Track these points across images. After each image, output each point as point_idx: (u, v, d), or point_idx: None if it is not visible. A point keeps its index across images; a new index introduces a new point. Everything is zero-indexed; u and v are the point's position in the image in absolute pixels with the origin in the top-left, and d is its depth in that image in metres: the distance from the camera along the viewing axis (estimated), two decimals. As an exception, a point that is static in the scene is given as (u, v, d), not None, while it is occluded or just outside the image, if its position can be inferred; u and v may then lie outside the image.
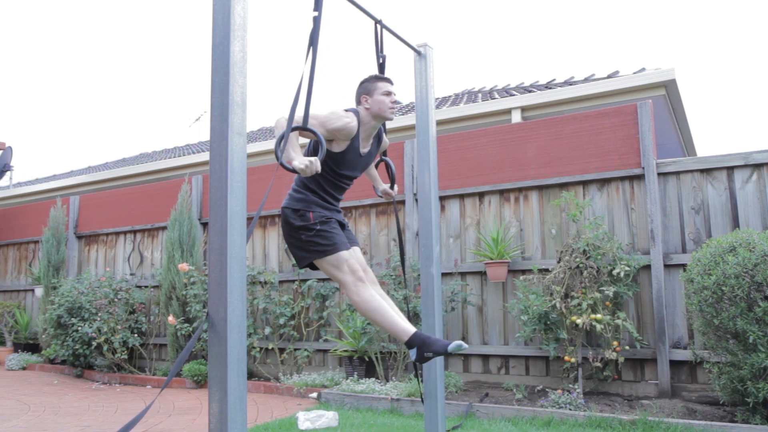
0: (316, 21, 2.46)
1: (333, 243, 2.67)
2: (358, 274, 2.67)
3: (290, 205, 2.75)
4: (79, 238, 8.33)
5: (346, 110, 2.78)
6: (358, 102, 2.86)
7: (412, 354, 2.55)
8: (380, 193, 3.27)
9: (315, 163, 2.38)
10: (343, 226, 2.89)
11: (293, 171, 2.41)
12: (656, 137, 5.48)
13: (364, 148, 2.87)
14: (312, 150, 2.75)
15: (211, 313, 1.94)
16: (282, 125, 2.50)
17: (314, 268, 2.80)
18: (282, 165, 2.35)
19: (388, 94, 2.80)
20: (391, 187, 3.26)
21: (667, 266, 4.63)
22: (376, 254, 5.92)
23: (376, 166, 3.25)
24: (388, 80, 2.85)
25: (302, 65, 2.37)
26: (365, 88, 2.85)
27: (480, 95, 8.83)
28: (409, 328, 2.58)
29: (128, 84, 53.41)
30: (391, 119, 2.84)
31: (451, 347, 2.41)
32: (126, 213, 7.87)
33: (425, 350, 2.49)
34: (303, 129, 2.43)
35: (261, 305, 6.09)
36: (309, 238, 2.69)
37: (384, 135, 3.06)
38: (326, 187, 2.80)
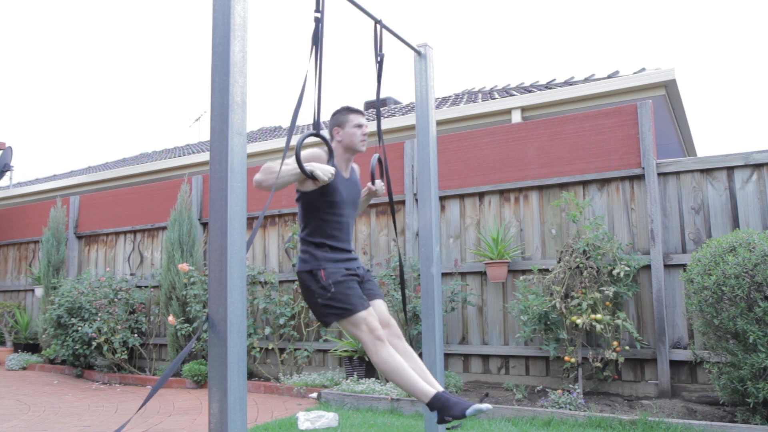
0: (318, 22, 2.47)
1: (349, 304, 2.63)
2: (377, 333, 2.62)
3: (302, 268, 2.72)
4: (79, 238, 8.33)
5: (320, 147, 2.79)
6: (331, 134, 2.86)
7: (434, 416, 2.54)
8: (371, 187, 3.06)
9: (329, 168, 2.55)
10: (361, 278, 2.80)
11: (312, 177, 2.51)
12: (656, 137, 5.48)
13: (345, 173, 2.84)
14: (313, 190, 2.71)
15: (211, 313, 1.94)
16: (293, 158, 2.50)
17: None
18: (302, 169, 2.46)
19: (359, 126, 2.80)
20: (372, 183, 3.06)
21: (667, 266, 4.63)
22: (376, 254, 5.92)
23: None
24: (359, 112, 2.85)
25: (306, 66, 2.38)
26: (337, 120, 2.85)
27: (480, 95, 8.83)
28: (429, 391, 2.53)
29: (128, 84, 53.44)
30: (362, 151, 2.83)
31: (469, 411, 2.38)
32: (126, 213, 7.87)
33: (444, 414, 2.46)
34: (315, 135, 2.52)
35: (261, 305, 6.09)
36: (325, 302, 2.65)
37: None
38: (328, 230, 2.74)
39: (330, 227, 2.74)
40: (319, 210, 2.72)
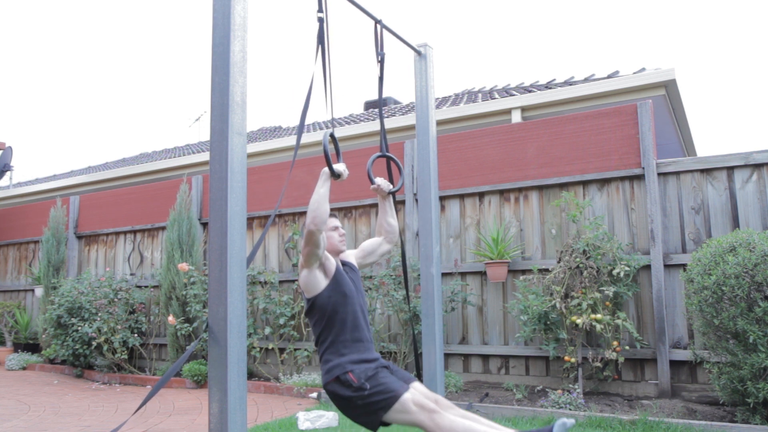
0: (322, 22, 2.47)
1: (390, 391, 2.46)
2: (429, 406, 2.46)
3: (328, 379, 2.57)
4: (79, 238, 8.33)
5: None
6: None
7: None
8: (373, 188, 3.01)
9: (343, 166, 2.59)
10: (390, 369, 2.66)
11: (335, 176, 2.53)
12: (656, 137, 5.48)
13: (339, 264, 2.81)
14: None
15: (211, 313, 1.94)
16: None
17: (386, 424, 2.53)
18: (330, 168, 2.50)
19: (335, 228, 2.79)
20: (372, 183, 3.00)
21: (667, 266, 4.63)
22: (376, 254, 5.92)
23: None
24: (332, 215, 2.83)
25: (311, 66, 2.39)
26: None
27: (480, 95, 8.83)
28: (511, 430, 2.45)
29: (128, 84, 53.43)
30: (343, 251, 2.81)
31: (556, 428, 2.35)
32: (126, 213, 7.87)
33: None
34: (332, 136, 2.58)
35: (261, 305, 6.09)
36: (365, 401, 2.48)
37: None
38: (348, 333, 2.61)
39: (348, 328, 2.61)
40: (335, 310, 2.59)
